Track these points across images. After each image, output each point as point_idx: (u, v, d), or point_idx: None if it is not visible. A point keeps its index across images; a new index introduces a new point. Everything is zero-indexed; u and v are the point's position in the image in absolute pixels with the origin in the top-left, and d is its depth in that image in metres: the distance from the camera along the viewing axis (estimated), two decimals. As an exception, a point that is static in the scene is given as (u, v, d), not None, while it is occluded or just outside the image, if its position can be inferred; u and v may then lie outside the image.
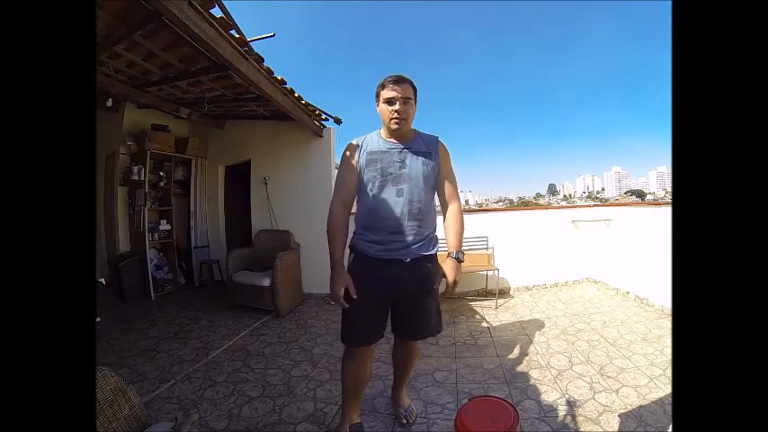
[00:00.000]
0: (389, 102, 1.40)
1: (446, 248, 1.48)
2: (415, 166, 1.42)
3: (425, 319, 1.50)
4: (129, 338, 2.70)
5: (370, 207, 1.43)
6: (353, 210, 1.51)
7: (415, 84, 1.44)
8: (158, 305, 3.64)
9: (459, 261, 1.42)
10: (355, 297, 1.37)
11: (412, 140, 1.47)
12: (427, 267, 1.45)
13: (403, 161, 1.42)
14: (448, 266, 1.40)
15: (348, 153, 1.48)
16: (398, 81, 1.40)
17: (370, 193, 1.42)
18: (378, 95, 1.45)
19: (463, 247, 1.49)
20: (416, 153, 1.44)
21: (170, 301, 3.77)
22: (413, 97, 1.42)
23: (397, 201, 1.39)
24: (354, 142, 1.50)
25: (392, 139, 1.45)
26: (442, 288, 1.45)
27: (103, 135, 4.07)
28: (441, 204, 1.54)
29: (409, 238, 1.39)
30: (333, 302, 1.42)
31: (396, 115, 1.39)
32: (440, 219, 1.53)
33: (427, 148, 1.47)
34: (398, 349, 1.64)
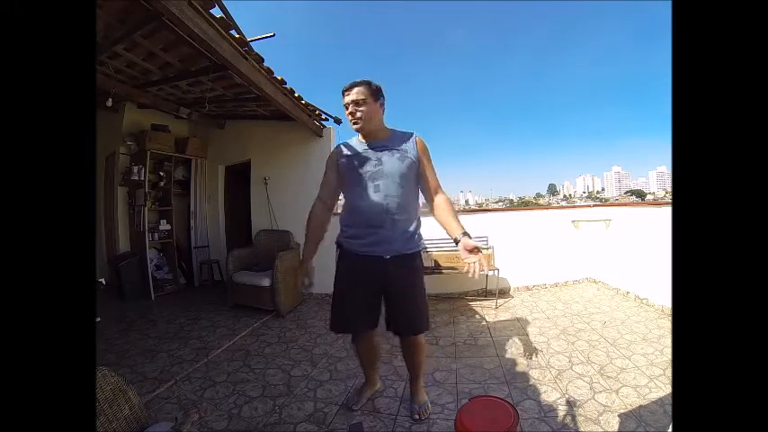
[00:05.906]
0: (345, 107, 1.47)
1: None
2: (391, 163, 1.45)
3: (408, 315, 1.53)
4: (129, 338, 2.70)
5: (350, 204, 1.50)
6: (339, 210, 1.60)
7: (373, 84, 1.47)
8: (158, 305, 3.63)
9: (470, 236, 1.36)
10: (309, 285, 1.51)
11: (387, 139, 1.51)
12: (411, 265, 1.50)
13: (379, 159, 1.46)
14: (468, 242, 1.31)
15: (329, 159, 1.57)
16: (349, 87, 1.46)
17: (352, 192, 1.49)
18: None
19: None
20: (392, 150, 1.47)
21: (170, 301, 3.76)
22: (367, 97, 1.44)
23: (374, 197, 1.43)
24: (334, 149, 1.59)
25: (368, 140, 1.50)
26: (474, 260, 1.27)
27: (103, 135, 4.08)
28: (427, 197, 1.54)
29: (387, 232, 1.44)
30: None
31: (351, 118, 1.47)
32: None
33: (403, 144, 1.49)
34: (402, 347, 1.68)
